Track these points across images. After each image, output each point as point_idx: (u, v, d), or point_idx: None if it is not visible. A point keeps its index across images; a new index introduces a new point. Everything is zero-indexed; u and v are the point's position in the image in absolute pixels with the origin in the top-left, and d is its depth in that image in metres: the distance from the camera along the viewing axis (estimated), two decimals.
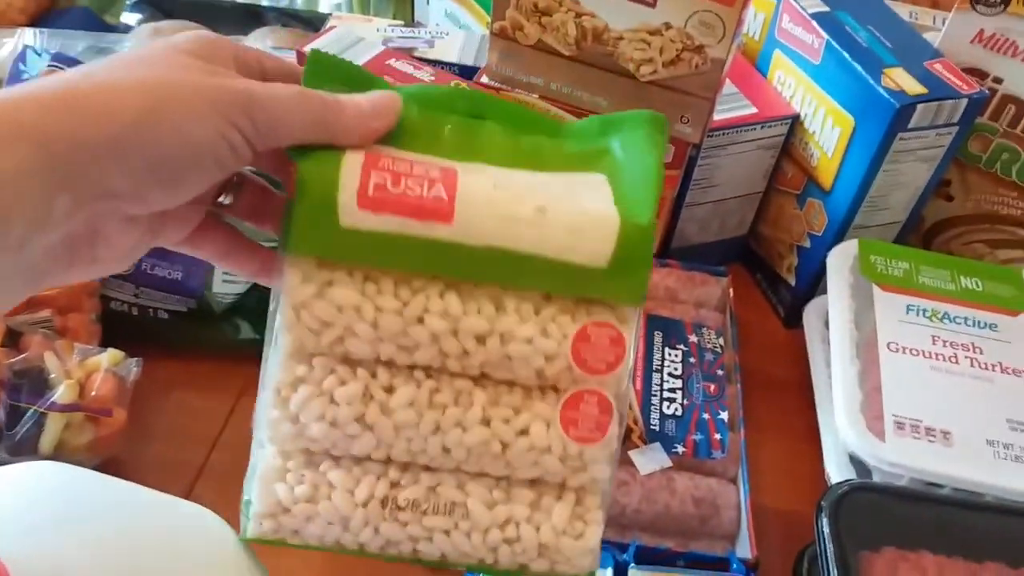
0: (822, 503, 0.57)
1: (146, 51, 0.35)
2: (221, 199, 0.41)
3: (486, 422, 0.38)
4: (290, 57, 0.87)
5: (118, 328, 0.74)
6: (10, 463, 0.47)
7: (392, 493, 0.38)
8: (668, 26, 0.67)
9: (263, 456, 0.39)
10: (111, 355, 0.67)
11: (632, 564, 0.58)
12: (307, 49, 0.74)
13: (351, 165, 0.36)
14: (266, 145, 0.36)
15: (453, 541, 0.39)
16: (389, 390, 0.38)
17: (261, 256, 0.42)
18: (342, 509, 0.38)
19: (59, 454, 0.63)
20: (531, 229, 0.36)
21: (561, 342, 0.37)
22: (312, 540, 0.39)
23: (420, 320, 0.37)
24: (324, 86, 0.39)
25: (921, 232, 0.88)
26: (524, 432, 0.38)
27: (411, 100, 0.40)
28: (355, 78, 0.41)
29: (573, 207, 0.37)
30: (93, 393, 0.64)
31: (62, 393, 0.62)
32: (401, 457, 0.39)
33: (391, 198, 0.35)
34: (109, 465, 0.67)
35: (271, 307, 0.38)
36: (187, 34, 0.37)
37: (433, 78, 0.74)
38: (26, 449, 0.61)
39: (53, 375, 0.63)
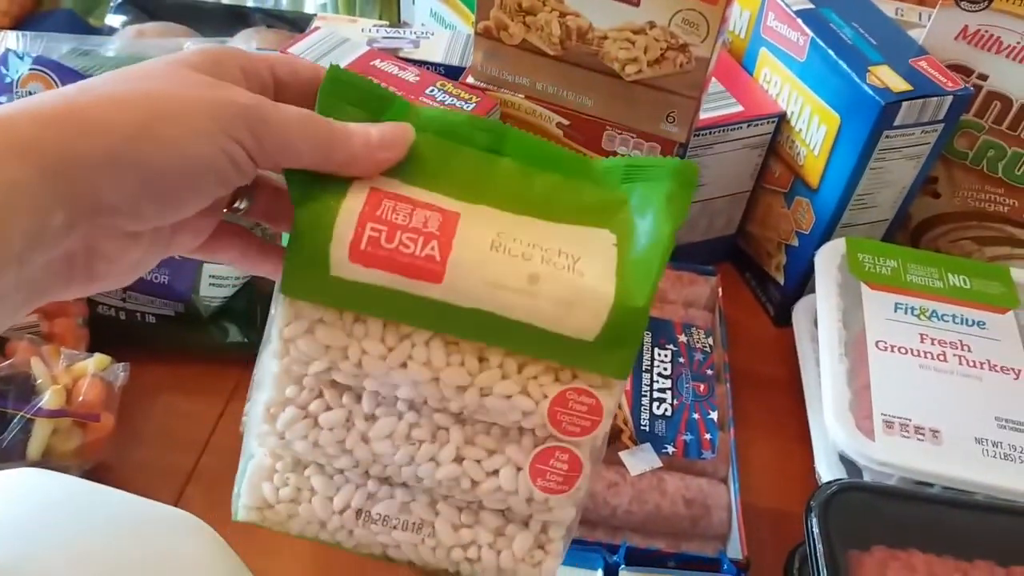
0: (811, 503, 0.57)
1: (148, 65, 0.34)
2: (237, 204, 0.40)
3: (459, 460, 0.39)
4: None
5: (105, 332, 0.73)
6: None
7: (367, 505, 0.40)
8: (652, 25, 0.66)
9: (255, 452, 0.41)
10: (98, 360, 0.66)
11: (623, 565, 0.58)
12: (289, 50, 0.74)
13: (348, 212, 0.36)
14: (269, 163, 0.35)
15: (419, 552, 0.40)
16: (371, 418, 0.39)
17: (276, 255, 0.42)
18: (319, 514, 0.40)
19: (47, 460, 0.62)
20: (520, 298, 0.36)
21: (540, 402, 0.37)
22: (293, 531, 0.41)
23: (403, 365, 0.37)
24: (339, 105, 0.38)
25: (909, 230, 0.88)
26: (494, 473, 0.39)
27: (428, 126, 0.40)
28: (373, 97, 0.40)
29: (566, 278, 0.36)
30: (80, 398, 0.64)
31: (49, 399, 0.62)
32: (378, 475, 0.40)
33: (383, 254, 0.35)
34: (97, 470, 0.67)
35: (272, 310, 0.38)
36: (192, 48, 0.36)
37: (418, 78, 0.74)
38: (13, 455, 0.61)
39: (40, 381, 0.63)
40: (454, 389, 0.37)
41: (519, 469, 0.38)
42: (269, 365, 0.39)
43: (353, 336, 0.37)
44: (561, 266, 0.36)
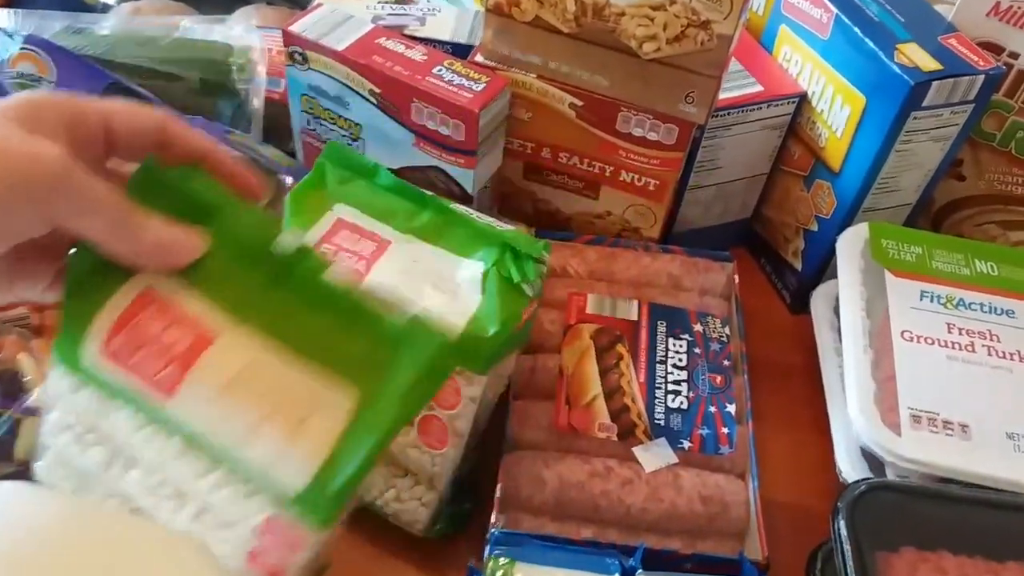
0: (839, 504, 0.54)
1: None
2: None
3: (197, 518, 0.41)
4: (276, 37, 0.84)
5: None
6: None
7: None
8: (672, 1, 0.64)
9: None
10: None
11: (640, 569, 0.56)
12: (291, 28, 0.71)
13: (107, 314, 0.39)
14: (62, 228, 0.36)
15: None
16: (131, 464, 0.41)
17: None
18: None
19: (35, 461, 0.60)
20: (240, 438, 0.39)
21: (251, 517, 0.39)
22: None
23: (148, 441, 0.40)
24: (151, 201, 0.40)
25: (931, 213, 0.85)
26: (224, 543, 0.41)
27: (229, 238, 0.41)
28: (187, 207, 0.41)
29: (286, 436, 0.38)
30: None
31: (38, 397, 0.60)
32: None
33: (129, 361, 0.39)
34: None
35: None
36: (16, 95, 0.37)
37: (425, 57, 0.71)
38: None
39: (28, 378, 0.62)
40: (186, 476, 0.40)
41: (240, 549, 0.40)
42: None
43: (111, 406, 0.41)
44: (290, 418, 0.39)
